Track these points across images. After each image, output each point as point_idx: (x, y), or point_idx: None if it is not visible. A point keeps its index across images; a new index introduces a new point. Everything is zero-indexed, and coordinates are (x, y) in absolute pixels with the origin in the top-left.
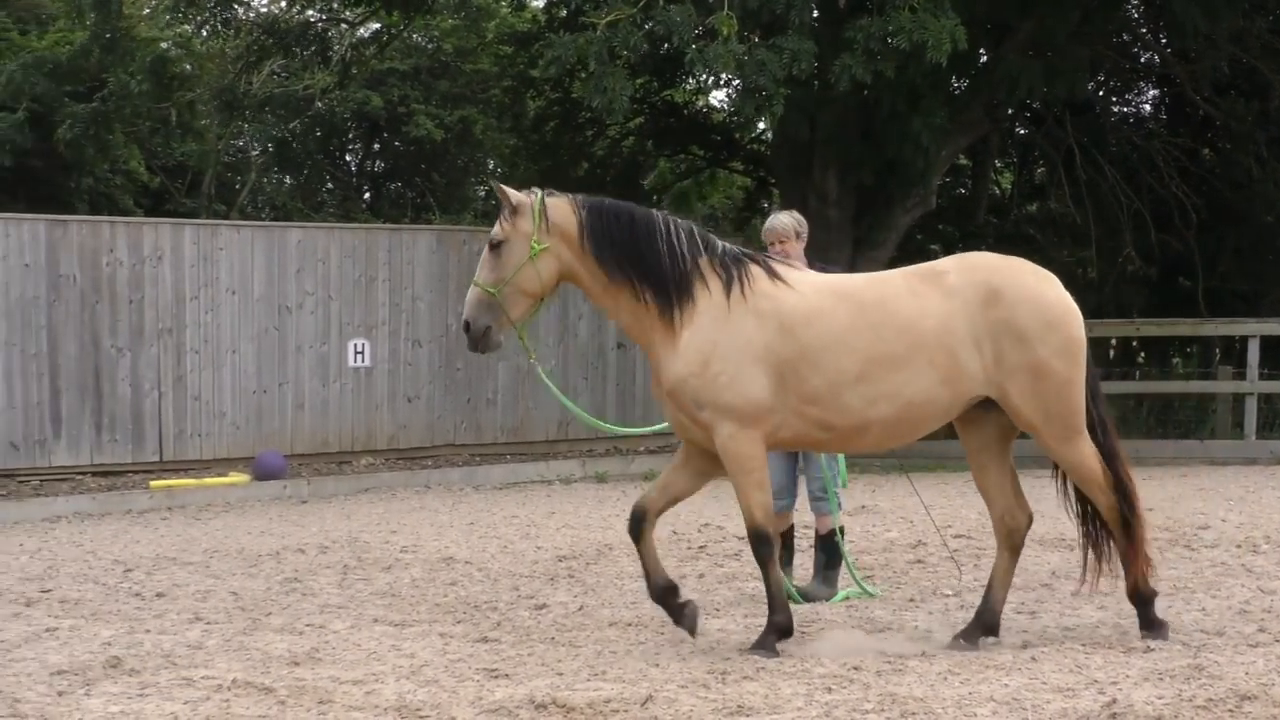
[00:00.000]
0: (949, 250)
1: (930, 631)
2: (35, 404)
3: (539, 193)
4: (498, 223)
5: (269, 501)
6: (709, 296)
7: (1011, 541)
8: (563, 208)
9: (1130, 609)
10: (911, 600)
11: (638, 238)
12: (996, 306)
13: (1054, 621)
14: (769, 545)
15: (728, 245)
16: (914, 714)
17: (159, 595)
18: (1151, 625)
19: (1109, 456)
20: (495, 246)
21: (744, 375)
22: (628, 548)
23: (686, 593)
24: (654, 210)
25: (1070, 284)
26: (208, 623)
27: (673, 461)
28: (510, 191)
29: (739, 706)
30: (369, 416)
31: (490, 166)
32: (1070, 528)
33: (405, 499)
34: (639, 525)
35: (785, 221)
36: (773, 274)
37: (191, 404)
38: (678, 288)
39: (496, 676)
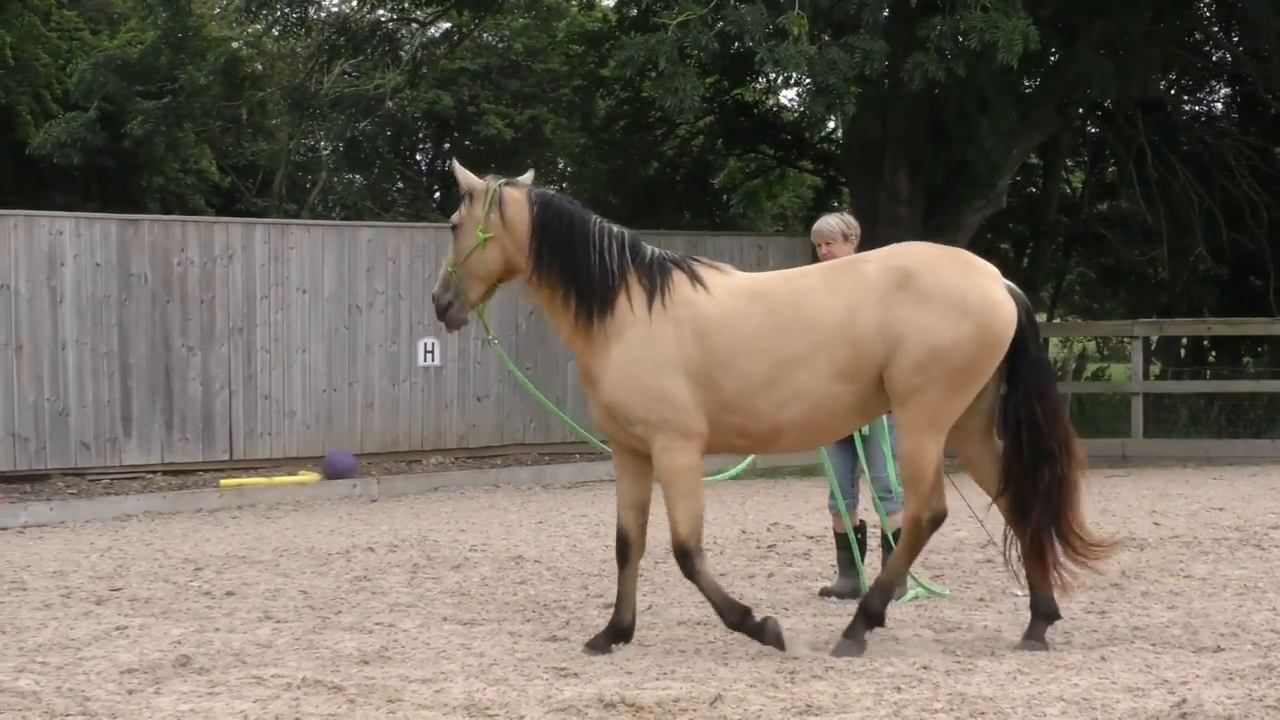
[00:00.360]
0: (1020, 249)
1: (1000, 631)
2: (106, 403)
3: (495, 182)
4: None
5: (338, 500)
6: (631, 310)
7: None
8: (518, 200)
9: (1200, 608)
10: (981, 600)
11: (574, 243)
12: (906, 288)
13: (1124, 621)
14: (692, 560)
15: (657, 252)
16: (983, 714)
17: (229, 594)
18: (856, 624)
19: (1052, 486)
20: (453, 230)
21: (672, 388)
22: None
23: (755, 591)
24: (592, 215)
25: (1141, 283)
26: (277, 621)
27: (617, 474)
28: (466, 177)
29: (807, 706)
30: (438, 416)
31: (560, 166)
32: (1141, 526)
33: (474, 498)
34: (625, 551)
35: (831, 224)
36: (695, 279)
37: (261, 403)
38: (600, 300)
39: (565, 675)
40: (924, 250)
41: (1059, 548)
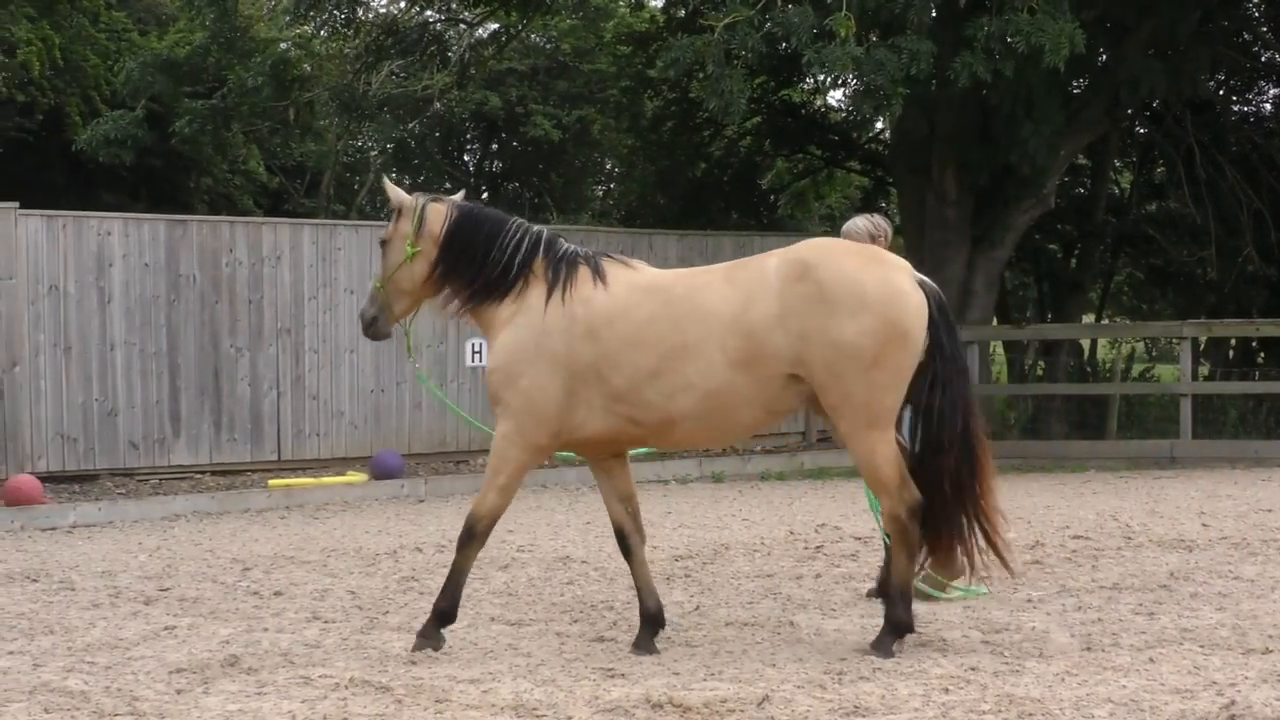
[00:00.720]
0: (1068, 250)
1: (1048, 632)
2: (155, 403)
3: (421, 198)
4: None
5: (386, 501)
6: (528, 300)
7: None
8: (439, 212)
9: (1249, 609)
10: (1029, 601)
11: (479, 241)
12: (805, 281)
13: (1172, 623)
14: (472, 540)
15: (571, 249)
16: (1031, 715)
17: (277, 594)
18: (884, 636)
19: (961, 473)
20: (382, 245)
21: (536, 381)
22: (744, 547)
23: (802, 592)
24: (512, 219)
25: (1190, 284)
26: (325, 621)
27: (595, 475)
28: (395, 193)
29: (855, 707)
30: (486, 416)
31: (608, 167)
32: (1189, 528)
33: (522, 498)
34: (624, 543)
35: (858, 226)
36: (598, 275)
37: (310, 403)
38: (498, 290)
39: (613, 676)
40: (827, 244)
41: (970, 538)
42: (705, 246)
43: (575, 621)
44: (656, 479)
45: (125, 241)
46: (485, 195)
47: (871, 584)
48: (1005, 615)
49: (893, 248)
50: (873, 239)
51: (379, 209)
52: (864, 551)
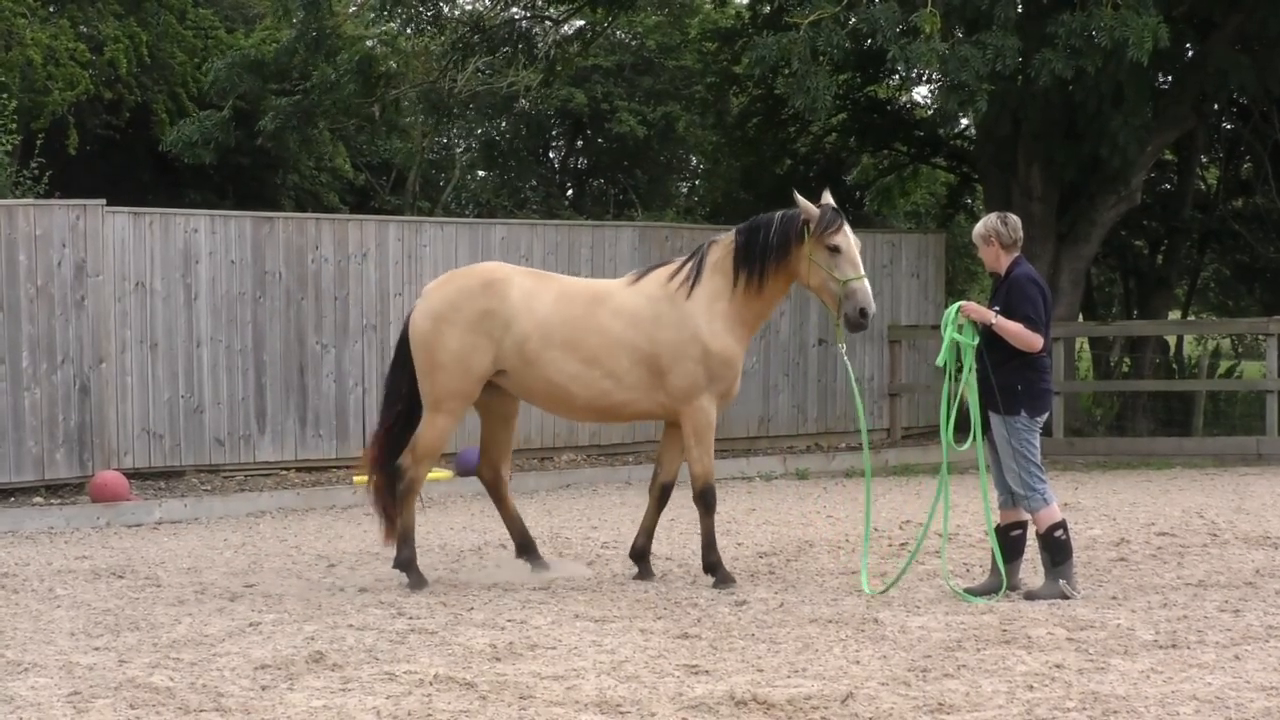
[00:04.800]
0: (1154, 246)
1: (1134, 630)
2: (240, 400)
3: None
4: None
5: (471, 497)
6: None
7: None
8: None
9: None
10: (1114, 598)
11: None
12: None
13: (1258, 620)
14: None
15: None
16: (1116, 712)
17: (361, 590)
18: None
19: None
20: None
21: None
22: (828, 544)
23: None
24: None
25: (1277, 280)
26: (410, 618)
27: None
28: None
29: (939, 704)
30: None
31: (693, 163)
32: (1275, 525)
33: (606, 495)
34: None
35: (975, 230)
36: None
37: None
38: None
39: (697, 673)
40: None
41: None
42: None
43: (659, 618)
44: (741, 476)
45: (212, 238)
46: (570, 192)
47: (958, 581)
48: (1090, 612)
49: (998, 247)
50: (985, 240)
51: (464, 206)
52: (949, 548)
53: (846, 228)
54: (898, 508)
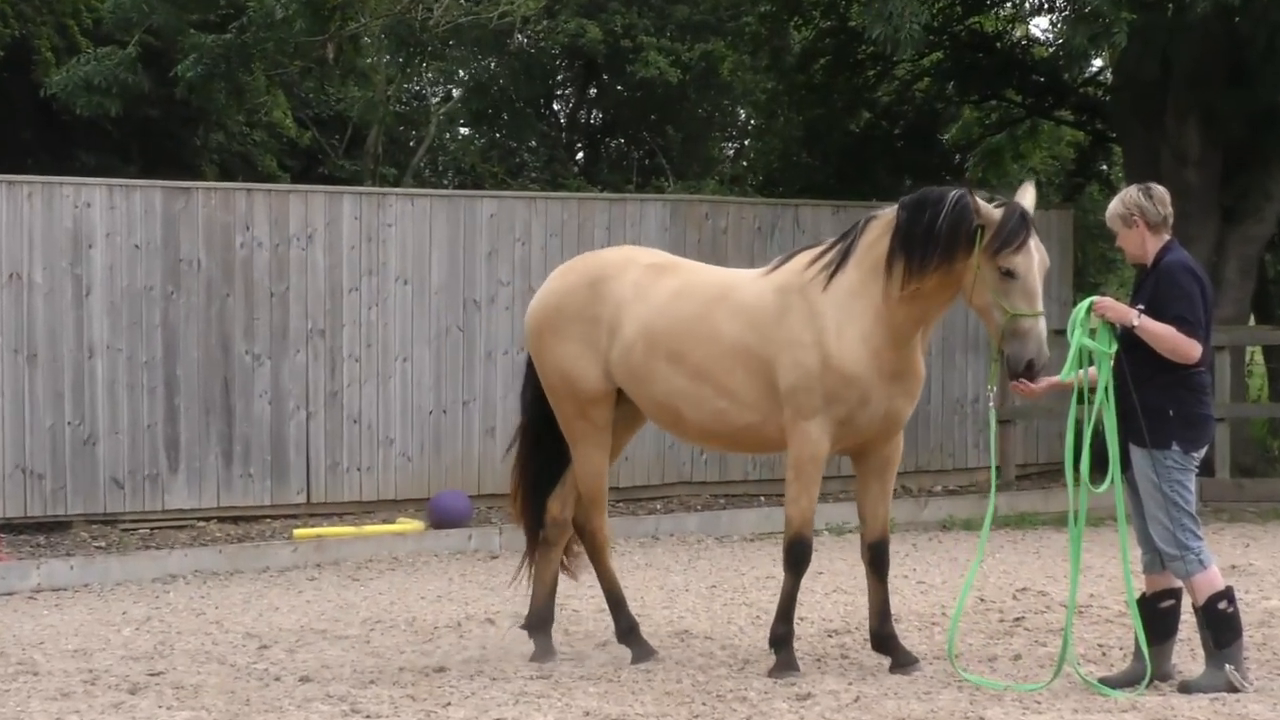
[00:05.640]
0: None
1: None
2: (145, 428)
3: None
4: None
5: (449, 556)
6: None
7: None
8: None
9: None
10: None
11: None
12: None
13: None
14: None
15: None
16: None
17: (303, 679)
18: None
19: None
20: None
21: None
22: (919, 618)
23: (996, 678)
24: None
25: None
26: (368, 716)
27: None
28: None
29: None
30: None
31: (742, 118)
32: None
33: (627, 553)
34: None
35: (1110, 208)
36: None
37: (349, 428)
38: None
39: None
40: None
41: None
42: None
43: (696, 717)
44: None
45: (110, 216)
46: (581, 156)
47: (1092, 666)
48: (1267, 709)
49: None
50: (1124, 221)
51: (441, 173)
52: (1079, 625)
53: (1032, 244)
54: (1011, 571)
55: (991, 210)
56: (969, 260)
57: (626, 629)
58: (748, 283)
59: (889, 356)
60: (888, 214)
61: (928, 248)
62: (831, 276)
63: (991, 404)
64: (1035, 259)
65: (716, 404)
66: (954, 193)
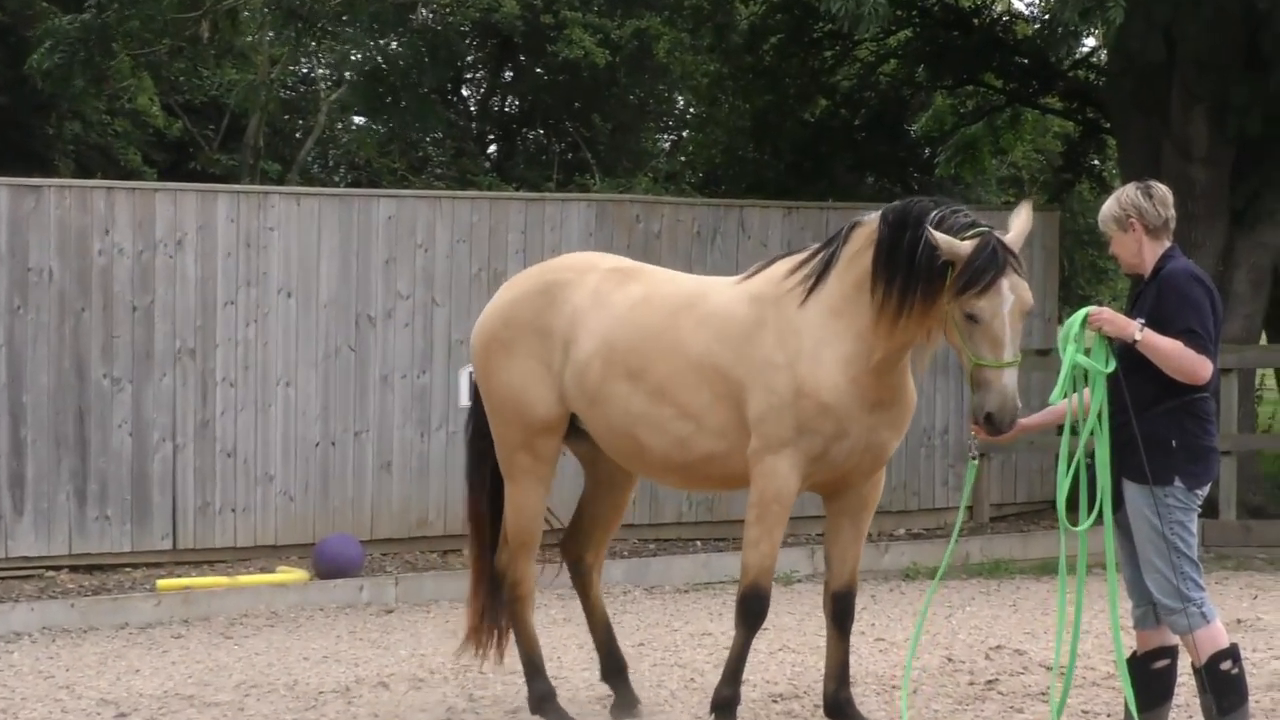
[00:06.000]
0: None
1: None
2: None
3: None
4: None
5: (337, 611)
6: None
7: None
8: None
9: None
10: None
11: None
12: None
13: None
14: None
15: None
16: None
17: None
18: None
19: None
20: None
21: None
22: (878, 681)
23: None
24: None
25: None
26: None
27: None
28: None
29: None
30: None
31: (680, 105)
32: None
33: (543, 606)
34: None
35: (1104, 210)
36: None
37: (222, 462)
38: None
39: None
40: None
41: None
42: (823, 224)
43: None
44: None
45: None
46: (493, 149)
47: None
48: None
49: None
50: (1119, 224)
51: (333, 169)
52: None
53: (1004, 285)
54: (984, 627)
55: (956, 245)
56: (943, 295)
57: (541, 696)
58: (719, 291)
59: (872, 383)
60: (872, 221)
61: (908, 278)
62: (811, 290)
63: (972, 455)
64: (1007, 302)
65: (678, 428)
66: (937, 211)
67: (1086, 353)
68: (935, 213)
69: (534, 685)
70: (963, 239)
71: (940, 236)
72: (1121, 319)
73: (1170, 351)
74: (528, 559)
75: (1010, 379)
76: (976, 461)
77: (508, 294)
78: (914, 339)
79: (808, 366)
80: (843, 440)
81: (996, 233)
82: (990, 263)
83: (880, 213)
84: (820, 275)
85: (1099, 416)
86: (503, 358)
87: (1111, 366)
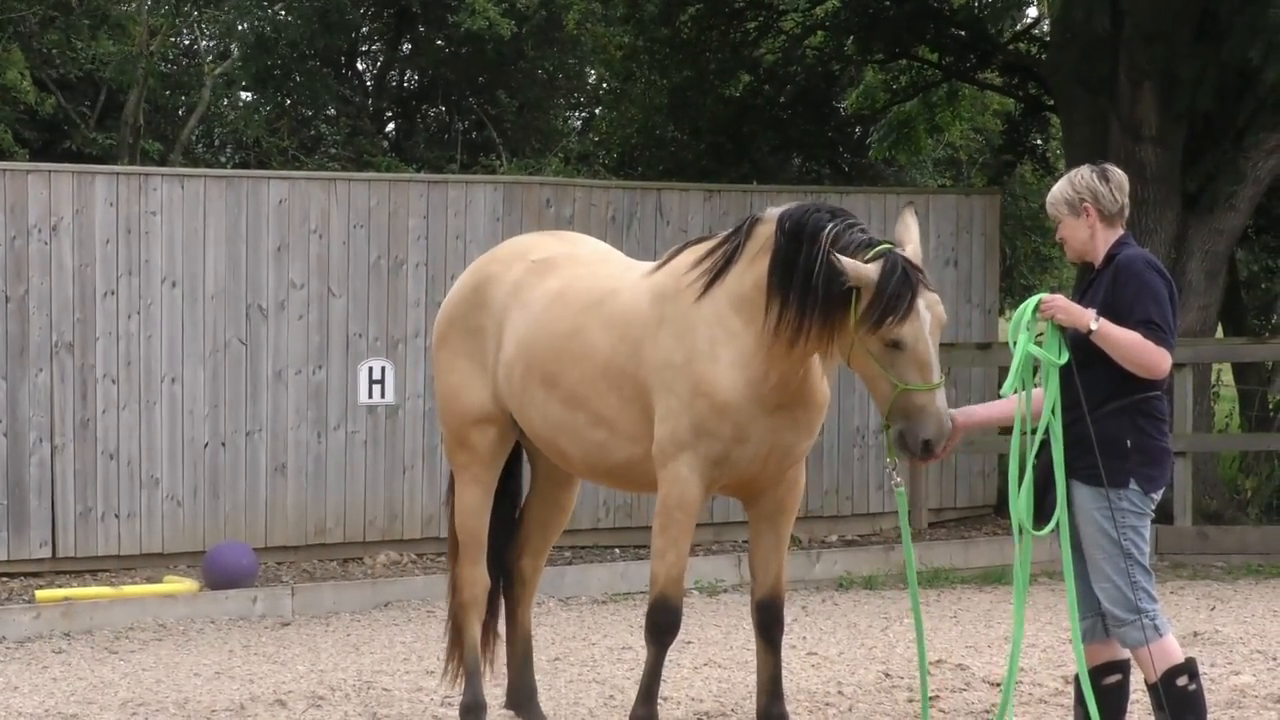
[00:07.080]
0: None
1: None
2: None
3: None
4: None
5: (229, 624)
6: None
7: None
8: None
9: None
10: None
11: None
12: None
13: None
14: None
15: None
16: None
17: None
18: None
19: None
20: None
21: None
22: (811, 698)
23: None
24: None
25: None
26: None
27: None
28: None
29: None
30: (391, 486)
31: (591, 81)
32: None
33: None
34: None
35: (1053, 193)
36: None
37: (104, 465)
38: None
39: None
40: None
41: None
42: (746, 208)
43: None
44: None
45: None
46: (391, 127)
47: None
48: None
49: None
50: (1071, 208)
51: (218, 149)
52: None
53: (921, 305)
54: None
55: (863, 270)
56: (847, 324)
57: (468, 706)
58: (629, 286)
59: (774, 384)
60: (771, 221)
61: (804, 301)
62: (710, 284)
63: (896, 482)
64: (926, 323)
65: (594, 435)
66: (831, 225)
67: (1039, 343)
68: (831, 226)
69: (466, 693)
70: (864, 260)
71: (846, 261)
72: (1076, 308)
73: (1128, 343)
74: (472, 561)
75: (943, 400)
76: (903, 490)
77: (454, 288)
78: (810, 356)
79: (705, 365)
80: (744, 444)
81: (897, 250)
82: (904, 286)
83: (777, 217)
84: (720, 271)
85: (1053, 409)
86: (443, 354)
87: (1065, 358)
